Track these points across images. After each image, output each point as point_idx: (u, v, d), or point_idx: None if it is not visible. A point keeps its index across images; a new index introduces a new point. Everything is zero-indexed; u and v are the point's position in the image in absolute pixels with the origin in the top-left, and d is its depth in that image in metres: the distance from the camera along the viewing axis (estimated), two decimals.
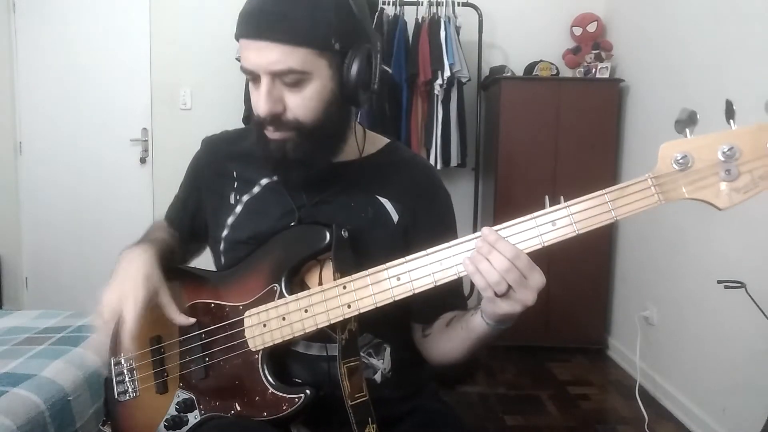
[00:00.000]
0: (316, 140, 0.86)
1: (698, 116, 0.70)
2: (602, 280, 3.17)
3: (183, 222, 1.09)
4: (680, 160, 0.70)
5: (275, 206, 0.95)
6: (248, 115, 3.05)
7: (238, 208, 0.97)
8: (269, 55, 0.79)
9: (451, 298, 0.95)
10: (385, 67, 2.99)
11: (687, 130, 0.71)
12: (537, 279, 0.73)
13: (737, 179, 0.68)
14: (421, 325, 0.98)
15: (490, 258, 0.73)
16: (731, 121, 0.69)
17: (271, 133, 0.86)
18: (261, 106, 0.82)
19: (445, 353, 0.94)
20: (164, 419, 0.93)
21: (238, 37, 0.83)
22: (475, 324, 0.82)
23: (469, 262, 0.75)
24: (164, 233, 1.06)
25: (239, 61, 0.85)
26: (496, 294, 0.73)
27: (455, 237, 0.96)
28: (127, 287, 0.87)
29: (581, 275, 3.11)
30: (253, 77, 0.83)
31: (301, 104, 0.83)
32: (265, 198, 0.97)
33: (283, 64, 0.80)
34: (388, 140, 1.03)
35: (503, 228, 0.75)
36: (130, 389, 0.97)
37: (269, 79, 0.81)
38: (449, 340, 0.91)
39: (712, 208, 0.70)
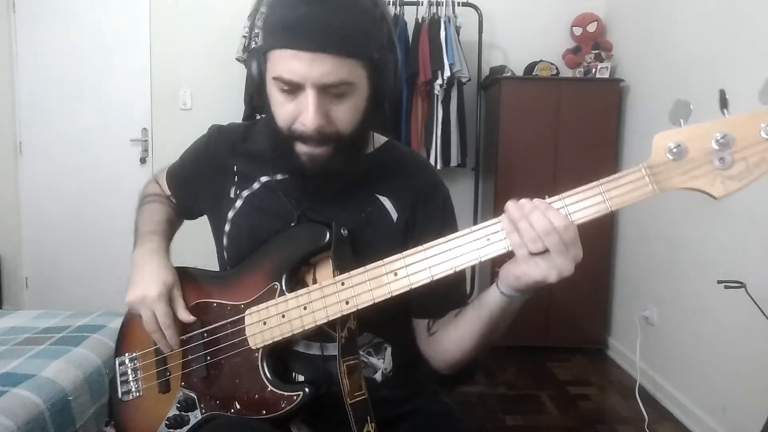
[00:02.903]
0: (350, 152, 0.86)
1: (692, 106, 0.70)
2: (602, 280, 3.17)
3: (180, 197, 1.13)
4: (674, 150, 0.69)
5: (275, 204, 0.95)
6: (249, 115, 3.05)
7: (238, 203, 0.98)
8: (322, 66, 0.78)
9: (455, 294, 0.94)
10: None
11: (681, 121, 0.70)
12: (578, 252, 0.72)
13: (732, 167, 0.68)
14: (426, 321, 0.97)
15: (535, 219, 0.71)
16: (725, 110, 0.69)
17: (310, 148, 0.83)
18: (311, 119, 0.80)
19: (453, 345, 0.90)
20: (166, 418, 0.94)
21: (276, 47, 0.80)
22: (489, 297, 0.81)
23: (507, 219, 0.73)
24: (161, 211, 1.10)
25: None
26: (531, 253, 0.71)
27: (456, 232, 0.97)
28: (142, 286, 0.92)
29: (581, 275, 3.05)
30: (291, 88, 0.81)
31: (342, 116, 0.83)
32: (264, 195, 0.97)
33: (335, 76, 0.79)
34: (386, 138, 1.03)
35: (494, 224, 0.75)
36: (133, 389, 0.98)
37: (317, 91, 0.79)
38: (458, 327, 0.89)
39: (709, 198, 0.70)
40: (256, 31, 3.02)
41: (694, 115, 0.70)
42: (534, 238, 0.71)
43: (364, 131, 0.88)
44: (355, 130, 0.85)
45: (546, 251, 0.71)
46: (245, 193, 0.98)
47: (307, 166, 0.85)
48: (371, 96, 0.86)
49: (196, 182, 1.07)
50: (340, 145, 0.84)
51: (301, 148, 0.84)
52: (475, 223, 0.76)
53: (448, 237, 0.77)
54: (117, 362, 1.01)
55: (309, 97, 0.80)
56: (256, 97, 0.89)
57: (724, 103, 0.69)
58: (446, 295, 0.91)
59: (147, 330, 0.93)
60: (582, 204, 0.72)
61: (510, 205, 0.73)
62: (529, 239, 0.71)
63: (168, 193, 1.15)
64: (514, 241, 0.73)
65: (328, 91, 0.80)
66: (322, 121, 0.81)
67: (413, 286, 0.78)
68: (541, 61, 3.23)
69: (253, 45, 2.98)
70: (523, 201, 0.73)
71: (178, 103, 3.53)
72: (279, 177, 0.96)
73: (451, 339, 0.91)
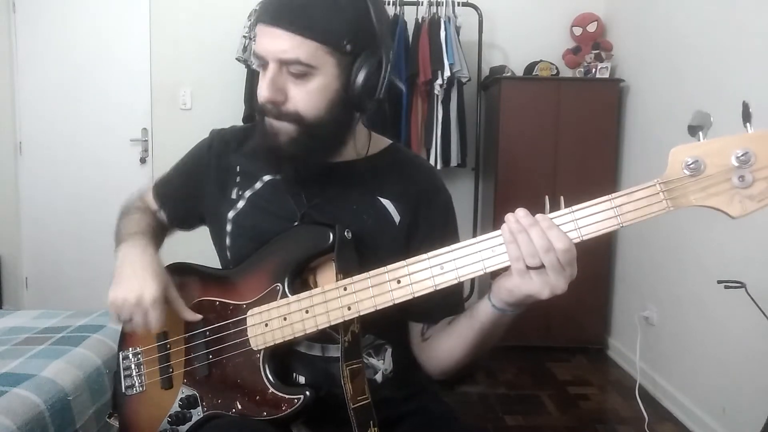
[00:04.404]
0: (313, 138, 0.86)
1: (712, 119, 0.66)
2: (602, 280, 3.17)
3: (176, 206, 1.09)
4: (691, 165, 0.66)
5: (277, 204, 0.95)
6: (249, 114, 3.05)
7: (240, 204, 0.98)
8: (280, 42, 0.81)
9: (452, 301, 0.94)
10: (399, 84, 2.99)
11: (700, 134, 0.67)
12: (574, 272, 0.72)
13: (752, 186, 0.65)
14: (421, 326, 0.97)
15: (534, 236, 0.70)
16: (747, 124, 0.65)
17: (270, 120, 0.87)
18: (263, 91, 0.84)
19: (445, 353, 0.91)
20: (168, 415, 0.94)
21: (256, 23, 0.86)
22: (480, 310, 0.81)
23: (507, 230, 0.72)
24: (147, 220, 1.06)
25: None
26: (527, 267, 0.71)
27: (456, 239, 0.94)
28: (136, 285, 0.88)
29: (581, 275, 3.02)
30: (262, 64, 0.85)
31: (302, 97, 0.84)
32: (267, 194, 0.97)
33: (291, 54, 0.81)
34: (390, 141, 1.03)
35: (499, 235, 0.74)
36: (136, 383, 0.98)
37: (276, 66, 0.83)
38: (450, 336, 0.89)
39: (724, 215, 0.67)
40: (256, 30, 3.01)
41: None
42: (532, 253, 0.70)
43: (332, 120, 0.87)
44: (319, 115, 0.85)
45: (542, 267, 0.71)
46: (248, 193, 0.98)
47: (269, 138, 0.87)
48: (343, 87, 0.85)
49: (196, 184, 1.05)
50: (301, 127, 0.85)
51: (267, 121, 0.87)
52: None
53: (453, 246, 0.76)
54: (120, 356, 1.01)
55: (267, 71, 0.83)
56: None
57: (747, 116, 0.65)
58: (442, 302, 0.90)
59: (136, 330, 0.91)
60: (592, 219, 0.70)
61: (510, 218, 0.73)
62: (528, 253, 0.71)
63: (154, 208, 1.11)
64: (512, 253, 0.72)
65: (288, 69, 0.83)
66: (273, 96, 0.83)
67: (416, 295, 0.78)
68: (541, 61, 3.23)
69: (253, 44, 2.97)
70: (522, 215, 0.72)
71: (178, 103, 3.53)
72: (280, 176, 0.96)
73: (443, 347, 0.91)
